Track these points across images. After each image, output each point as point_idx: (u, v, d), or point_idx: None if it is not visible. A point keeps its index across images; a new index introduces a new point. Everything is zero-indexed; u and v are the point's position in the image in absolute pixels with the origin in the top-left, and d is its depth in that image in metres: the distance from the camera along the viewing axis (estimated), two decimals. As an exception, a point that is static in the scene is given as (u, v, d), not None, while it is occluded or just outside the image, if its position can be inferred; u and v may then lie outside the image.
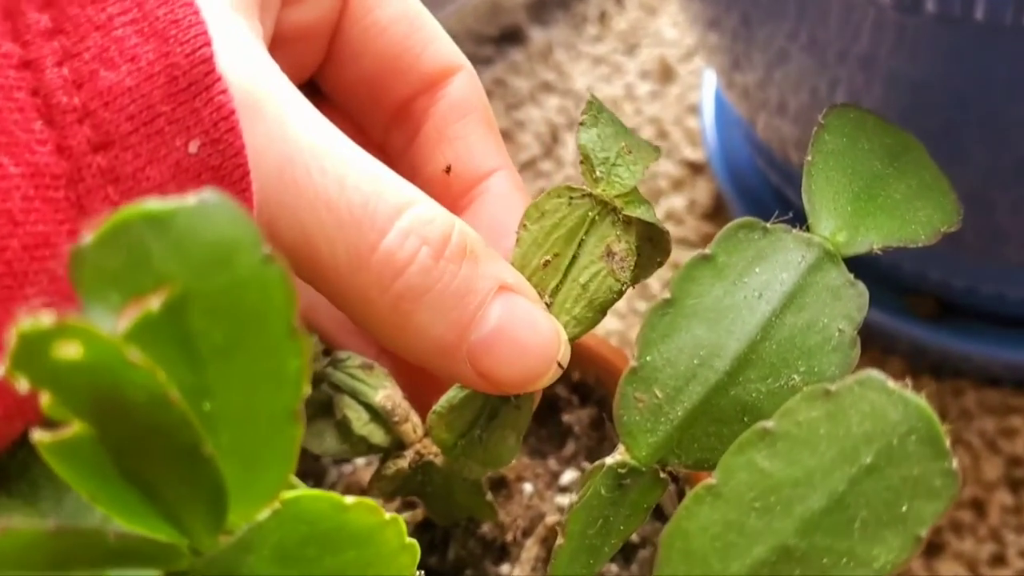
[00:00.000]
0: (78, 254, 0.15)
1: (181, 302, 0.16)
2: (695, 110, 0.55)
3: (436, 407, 0.28)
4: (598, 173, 0.27)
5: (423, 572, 0.21)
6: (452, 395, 0.28)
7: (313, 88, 0.31)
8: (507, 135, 0.56)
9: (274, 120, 0.23)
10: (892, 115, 0.35)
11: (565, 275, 0.27)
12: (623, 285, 0.26)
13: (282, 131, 0.23)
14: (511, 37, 0.60)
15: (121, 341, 0.15)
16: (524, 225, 0.27)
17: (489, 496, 0.32)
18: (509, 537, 0.34)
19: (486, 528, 0.34)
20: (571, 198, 0.27)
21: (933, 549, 0.42)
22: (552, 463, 0.37)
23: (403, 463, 0.29)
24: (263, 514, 0.18)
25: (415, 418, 0.29)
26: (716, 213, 0.51)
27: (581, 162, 0.27)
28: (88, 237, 0.15)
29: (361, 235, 0.24)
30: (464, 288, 0.25)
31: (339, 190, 0.24)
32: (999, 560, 0.42)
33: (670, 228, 0.51)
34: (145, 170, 0.20)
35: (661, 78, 0.57)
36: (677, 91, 0.56)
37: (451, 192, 0.29)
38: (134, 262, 0.16)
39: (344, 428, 0.29)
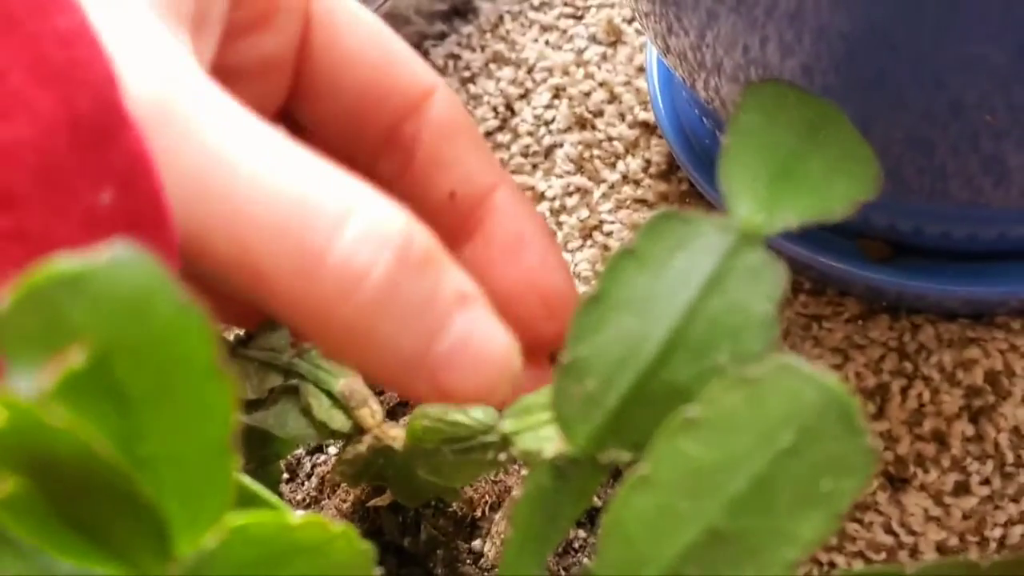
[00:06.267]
0: (-3, 320, 0.16)
1: (105, 355, 0.17)
2: (645, 70, 0.55)
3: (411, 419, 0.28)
4: None
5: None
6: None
7: (292, 122, 0.31)
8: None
9: (188, 126, 0.21)
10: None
11: None
12: None
13: (199, 137, 0.21)
14: (461, 11, 0.60)
15: (42, 403, 0.15)
16: None
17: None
18: (478, 513, 0.35)
19: (455, 506, 0.35)
20: None
21: (899, 483, 0.43)
22: (518, 438, 0.38)
23: (361, 448, 0.30)
24: (211, 539, 0.19)
25: (374, 405, 0.30)
26: (671, 171, 0.51)
27: None
28: (5, 302, 0.16)
29: (307, 242, 0.22)
30: (429, 296, 0.23)
31: (272, 193, 0.22)
32: (963, 488, 0.43)
33: (628, 190, 0.51)
34: (54, 226, 0.19)
35: (610, 40, 0.57)
36: (627, 52, 0.56)
37: (458, 216, 0.29)
38: (53, 322, 0.16)
39: (307, 414, 0.30)
